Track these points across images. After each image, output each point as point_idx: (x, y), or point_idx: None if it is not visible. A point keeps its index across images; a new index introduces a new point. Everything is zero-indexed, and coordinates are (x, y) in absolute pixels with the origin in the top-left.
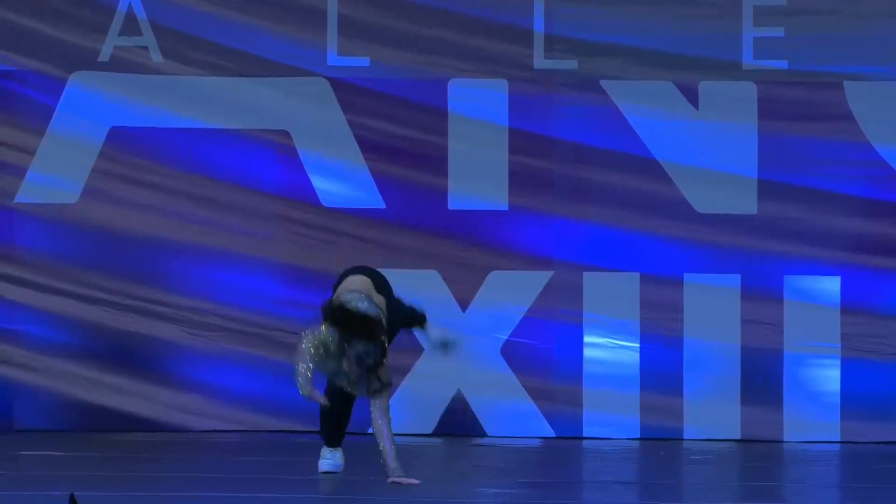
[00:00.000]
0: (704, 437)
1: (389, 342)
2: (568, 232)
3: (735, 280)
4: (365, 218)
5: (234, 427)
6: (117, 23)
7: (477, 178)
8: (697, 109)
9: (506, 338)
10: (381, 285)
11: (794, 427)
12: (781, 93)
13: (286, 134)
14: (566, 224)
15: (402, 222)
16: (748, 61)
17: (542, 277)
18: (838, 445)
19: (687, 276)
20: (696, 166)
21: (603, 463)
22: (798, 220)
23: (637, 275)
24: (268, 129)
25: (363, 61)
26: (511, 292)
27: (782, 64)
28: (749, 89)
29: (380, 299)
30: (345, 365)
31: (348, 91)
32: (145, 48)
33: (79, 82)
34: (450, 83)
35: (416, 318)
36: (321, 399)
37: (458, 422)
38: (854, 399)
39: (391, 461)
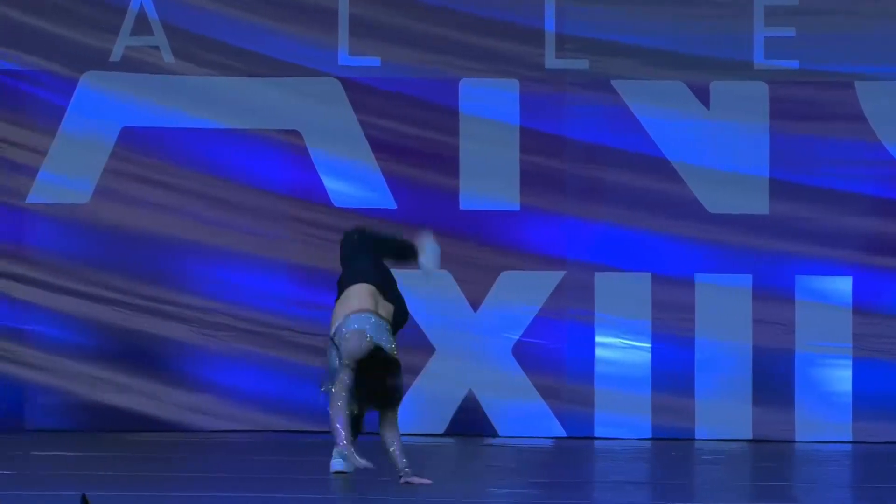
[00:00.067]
0: (716, 437)
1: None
2: (579, 232)
3: (746, 280)
4: (376, 218)
5: (244, 427)
6: (129, 23)
7: (488, 178)
8: (709, 109)
9: (517, 338)
10: (384, 283)
11: (806, 427)
12: (793, 92)
13: (297, 134)
14: (577, 224)
15: (413, 222)
16: (759, 61)
17: (553, 277)
18: (850, 445)
19: (698, 277)
20: (708, 166)
21: (614, 463)
22: (809, 219)
23: (648, 275)
24: (279, 129)
25: (374, 61)
26: (522, 292)
27: (794, 64)
28: (760, 89)
29: (388, 308)
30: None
31: (359, 91)
32: (157, 48)
33: (90, 82)
34: (461, 83)
35: (408, 257)
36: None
37: (469, 422)
38: (866, 399)
39: (402, 461)
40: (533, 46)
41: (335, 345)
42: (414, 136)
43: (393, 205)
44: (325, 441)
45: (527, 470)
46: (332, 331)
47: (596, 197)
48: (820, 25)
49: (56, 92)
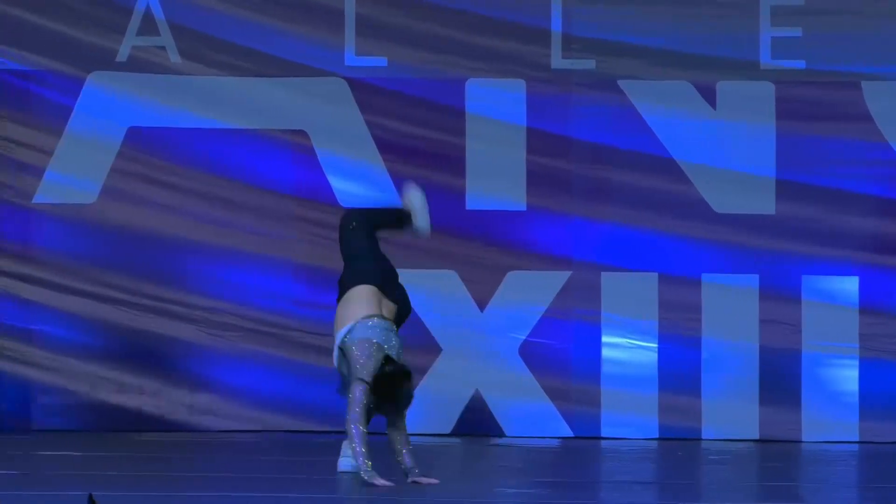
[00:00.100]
0: (722, 437)
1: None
2: (586, 232)
3: (753, 280)
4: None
5: (251, 427)
6: (135, 23)
7: (494, 179)
8: (715, 109)
9: (524, 338)
10: (386, 281)
11: (813, 427)
12: (799, 92)
13: (304, 134)
14: (584, 224)
15: None
16: (766, 61)
17: (559, 277)
18: (857, 445)
19: (705, 277)
20: (714, 166)
21: (621, 463)
22: (816, 220)
23: (655, 275)
24: (285, 129)
25: (381, 61)
26: (529, 292)
27: (800, 64)
28: (767, 89)
29: (391, 308)
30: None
31: (366, 91)
32: (163, 48)
33: (96, 82)
34: (467, 83)
35: (404, 225)
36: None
37: (476, 422)
38: (872, 399)
39: (409, 461)
40: (539, 47)
41: (342, 352)
42: (420, 136)
43: (399, 204)
44: (333, 441)
45: (533, 470)
46: (339, 340)
47: (602, 197)
48: (826, 25)
49: (62, 92)
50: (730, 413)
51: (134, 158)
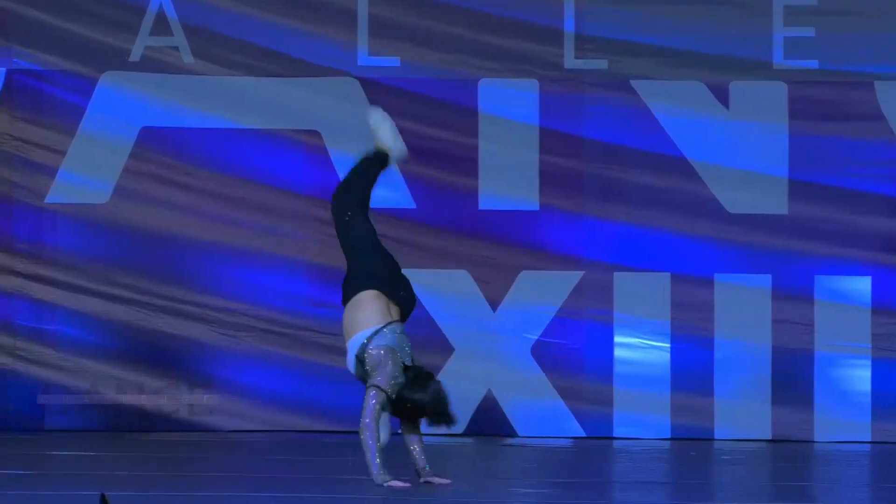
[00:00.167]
0: (735, 437)
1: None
2: (598, 232)
3: (766, 280)
4: (396, 218)
5: (263, 427)
6: (148, 23)
7: (507, 178)
8: (728, 109)
9: (536, 338)
10: (389, 280)
11: (825, 427)
12: (812, 92)
13: (317, 134)
14: (596, 224)
15: (432, 222)
16: (779, 61)
17: (572, 277)
18: (869, 445)
19: (718, 276)
20: (727, 166)
21: (633, 463)
22: (829, 220)
23: (668, 275)
24: (298, 129)
25: (394, 61)
26: (541, 292)
27: (813, 64)
28: (780, 89)
29: (396, 309)
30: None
31: (379, 91)
32: (176, 48)
33: (109, 82)
34: (480, 83)
35: (386, 164)
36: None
37: (488, 422)
38: (885, 399)
39: (422, 461)
40: (552, 46)
41: (359, 361)
42: (433, 136)
43: (412, 204)
44: (345, 441)
45: (546, 470)
46: (356, 349)
47: (615, 197)
48: (839, 25)
49: (75, 92)
50: (742, 413)
51: (147, 158)
